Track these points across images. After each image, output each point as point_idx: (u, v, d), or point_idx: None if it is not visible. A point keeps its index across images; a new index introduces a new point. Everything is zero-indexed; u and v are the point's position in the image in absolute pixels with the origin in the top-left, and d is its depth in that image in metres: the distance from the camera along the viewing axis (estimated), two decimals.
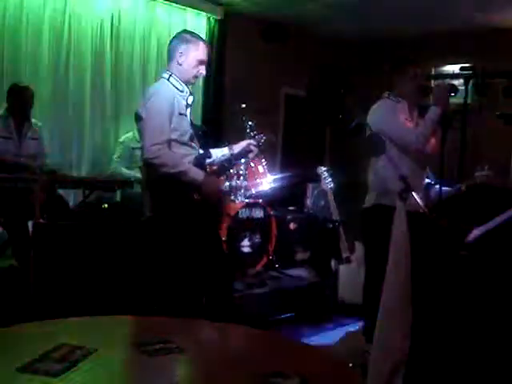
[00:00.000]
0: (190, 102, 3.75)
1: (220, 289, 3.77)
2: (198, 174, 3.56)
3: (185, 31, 3.89)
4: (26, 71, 5.87)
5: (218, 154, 3.99)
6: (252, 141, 4.02)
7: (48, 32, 6.02)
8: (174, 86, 3.67)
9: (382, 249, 3.35)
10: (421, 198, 3.81)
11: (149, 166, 3.60)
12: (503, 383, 2.95)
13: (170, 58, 3.74)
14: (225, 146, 4.09)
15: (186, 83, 3.75)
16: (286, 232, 6.53)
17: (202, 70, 3.74)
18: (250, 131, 5.36)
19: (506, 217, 3.23)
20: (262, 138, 4.07)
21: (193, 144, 3.71)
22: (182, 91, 3.70)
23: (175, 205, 3.60)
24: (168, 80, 3.69)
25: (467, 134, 3.83)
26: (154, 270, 3.98)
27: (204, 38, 3.90)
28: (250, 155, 4.05)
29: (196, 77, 3.77)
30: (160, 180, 3.57)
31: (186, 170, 3.51)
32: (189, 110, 3.74)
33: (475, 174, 4.80)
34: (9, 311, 3.85)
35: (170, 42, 3.79)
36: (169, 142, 3.51)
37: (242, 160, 5.30)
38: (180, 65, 3.69)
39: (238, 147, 4.02)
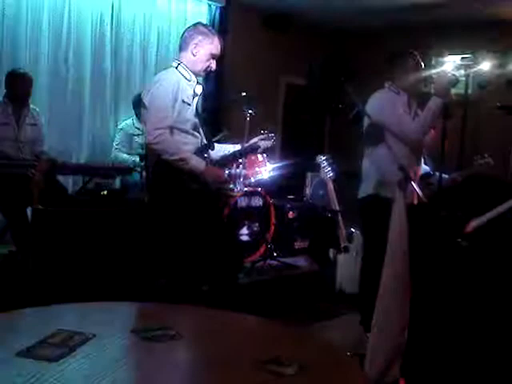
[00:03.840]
0: (197, 91, 3.76)
1: (225, 276, 3.80)
2: (199, 163, 3.57)
3: (200, 24, 3.90)
4: (25, 58, 5.84)
5: (230, 149, 4.01)
6: (261, 137, 4.08)
7: (48, 19, 5.98)
8: (181, 74, 3.68)
9: (380, 239, 3.36)
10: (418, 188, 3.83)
11: (150, 152, 3.62)
12: (501, 374, 2.97)
13: (184, 48, 3.74)
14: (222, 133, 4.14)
15: (195, 74, 3.75)
16: (284, 221, 6.55)
17: (213, 64, 3.77)
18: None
19: (505, 207, 3.24)
20: (272, 138, 4.09)
21: (195, 133, 3.71)
22: (189, 80, 3.71)
23: (173, 192, 3.61)
24: (176, 68, 3.70)
25: (468, 124, 3.84)
26: (152, 255, 3.99)
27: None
28: (259, 150, 4.10)
29: (206, 71, 3.78)
30: (160, 166, 3.58)
31: (186, 158, 3.52)
32: (196, 99, 3.75)
33: (474, 163, 4.81)
34: (8, 297, 3.86)
35: (184, 32, 3.80)
36: (171, 128, 3.52)
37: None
38: (194, 55, 3.71)
39: (247, 143, 4.08)
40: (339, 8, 7.69)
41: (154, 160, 3.61)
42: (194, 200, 3.61)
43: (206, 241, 3.69)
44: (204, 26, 3.86)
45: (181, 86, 3.59)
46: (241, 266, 4.21)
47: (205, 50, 3.69)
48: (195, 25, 3.83)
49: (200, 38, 3.69)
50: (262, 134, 4.10)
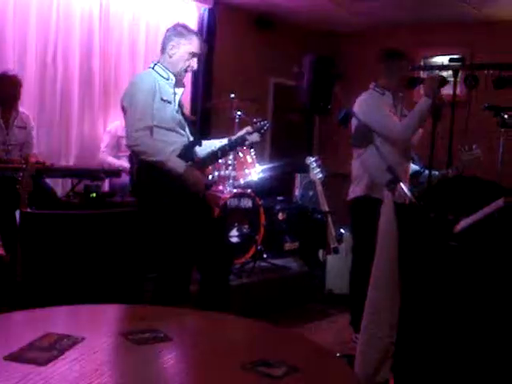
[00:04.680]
0: (177, 90, 3.74)
1: (214, 277, 3.79)
2: (178, 165, 3.52)
3: (178, 24, 3.85)
4: (13, 59, 5.80)
5: (217, 144, 3.95)
6: (249, 128, 3.92)
7: (35, 18, 5.93)
8: (158, 73, 3.67)
9: (370, 240, 3.37)
10: (407, 189, 3.85)
11: (134, 154, 3.62)
12: (492, 373, 2.97)
13: (162, 50, 3.74)
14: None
15: (176, 75, 3.73)
16: (274, 222, 6.55)
17: (194, 63, 3.73)
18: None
19: (494, 207, 3.25)
20: (265, 125, 3.93)
21: (181, 131, 3.70)
22: (167, 79, 3.69)
23: (158, 194, 3.60)
24: (153, 68, 3.70)
25: (456, 125, 3.85)
26: (141, 258, 3.98)
27: (197, 31, 3.87)
28: (247, 142, 3.94)
29: (186, 71, 3.75)
30: (145, 168, 3.57)
31: (164, 161, 3.48)
32: (177, 97, 3.73)
33: (462, 157, 4.83)
34: None
35: (165, 33, 3.78)
36: (150, 128, 3.51)
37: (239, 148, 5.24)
38: (170, 57, 3.69)
39: (236, 136, 3.97)
40: (328, 8, 7.69)
41: (139, 162, 3.60)
42: (180, 201, 3.59)
43: (194, 242, 3.68)
44: (182, 26, 3.81)
45: (157, 85, 3.58)
46: (230, 266, 4.17)
47: (181, 50, 3.67)
48: (174, 25, 3.79)
49: (176, 39, 3.67)
50: (254, 123, 3.98)
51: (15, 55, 5.81)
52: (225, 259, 3.94)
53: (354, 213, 4.45)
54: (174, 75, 3.72)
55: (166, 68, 3.70)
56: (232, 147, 4.00)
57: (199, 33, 7.14)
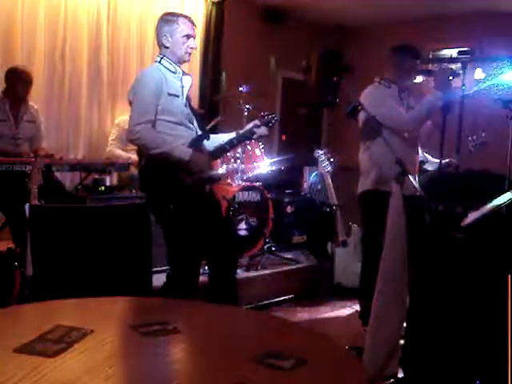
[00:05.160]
0: (185, 83, 3.74)
1: (222, 270, 3.80)
2: (184, 153, 3.52)
3: (164, 13, 3.82)
4: (21, 55, 5.83)
5: (225, 138, 3.94)
6: (257, 121, 3.89)
7: (44, 16, 5.96)
8: (165, 67, 3.66)
9: (379, 234, 3.37)
10: (416, 181, 3.84)
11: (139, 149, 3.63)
12: (498, 367, 2.97)
13: (159, 43, 3.74)
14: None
15: (180, 62, 3.73)
16: (282, 215, 6.54)
17: (191, 43, 3.70)
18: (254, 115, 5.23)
19: (501, 201, 3.24)
20: (273, 119, 3.89)
21: (189, 125, 3.70)
22: (174, 72, 3.69)
23: (164, 187, 3.61)
24: (159, 62, 3.69)
25: (465, 117, 3.84)
26: (150, 251, 3.99)
27: (185, 14, 3.84)
28: (255, 136, 3.91)
29: (187, 53, 3.73)
30: (152, 161, 3.57)
31: (168, 151, 3.48)
32: (185, 90, 3.73)
33: (470, 146, 4.84)
34: (6, 293, 3.86)
35: (155, 27, 3.77)
36: (153, 122, 3.51)
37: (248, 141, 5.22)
38: (167, 47, 3.68)
39: (244, 129, 3.95)
40: (336, 2, 7.67)
41: (146, 157, 3.61)
42: (187, 196, 3.59)
43: (202, 236, 3.68)
44: (167, 13, 3.79)
45: (164, 80, 3.57)
46: (236, 260, 4.15)
47: (174, 36, 3.65)
48: (160, 16, 3.77)
49: (167, 27, 3.66)
50: (262, 116, 3.95)
51: (24, 52, 5.84)
52: (231, 253, 3.94)
53: (363, 206, 4.44)
54: (179, 63, 3.72)
55: (171, 60, 3.69)
56: (240, 140, 3.98)
57: (207, 27, 7.18)
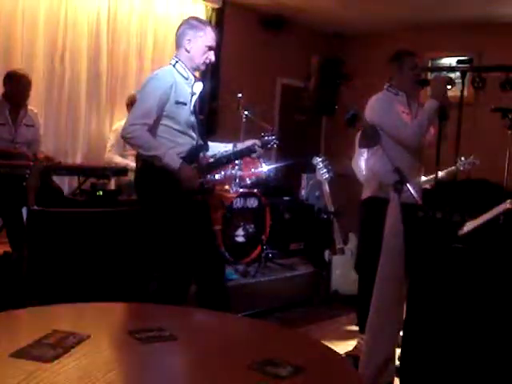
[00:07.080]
0: (195, 89, 3.71)
1: (213, 278, 3.77)
2: (174, 162, 3.48)
3: (191, 17, 3.82)
4: (21, 59, 5.83)
5: (222, 149, 3.94)
6: (257, 141, 3.89)
7: (44, 20, 5.96)
8: (179, 72, 3.64)
9: (376, 241, 3.37)
10: (417, 190, 3.84)
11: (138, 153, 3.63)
12: (495, 377, 2.97)
13: (178, 45, 3.69)
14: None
15: (194, 70, 3.71)
16: (280, 222, 6.53)
17: (211, 55, 3.68)
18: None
19: (499, 211, 3.25)
20: (272, 141, 3.91)
21: (192, 134, 3.68)
22: (186, 78, 3.66)
23: (158, 193, 3.60)
24: (174, 66, 3.65)
25: (463, 126, 3.84)
26: (145, 257, 3.99)
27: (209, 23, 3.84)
28: (253, 155, 3.92)
29: (205, 63, 3.70)
30: (146, 166, 3.57)
31: (161, 155, 3.46)
32: (194, 97, 3.71)
33: (457, 165, 4.87)
34: (3, 297, 3.85)
35: (178, 28, 3.73)
36: (149, 126, 3.48)
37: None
38: (188, 52, 3.64)
39: (242, 145, 3.94)
40: (336, 9, 7.70)
41: (140, 161, 3.61)
42: (178, 200, 3.58)
43: (192, 243, 3.65)
44: (195, 19, 3.79)
45: (174, 86, 3.54)
46: (224, 269, 4.10)
47: (198, 44, 3.62)
48: (187, 19, 3.76)
49: (191, 33, 3.62)
50: (262, 136, 3.96)
51: (23, 56, 5.84)
52: (219, 262, 3.92)
53: (362, 213, 4.43)
54: (193, 70, 3.70)
55: (186, 66, 3.66)
56: (237, 157, 4.09)
57: None
